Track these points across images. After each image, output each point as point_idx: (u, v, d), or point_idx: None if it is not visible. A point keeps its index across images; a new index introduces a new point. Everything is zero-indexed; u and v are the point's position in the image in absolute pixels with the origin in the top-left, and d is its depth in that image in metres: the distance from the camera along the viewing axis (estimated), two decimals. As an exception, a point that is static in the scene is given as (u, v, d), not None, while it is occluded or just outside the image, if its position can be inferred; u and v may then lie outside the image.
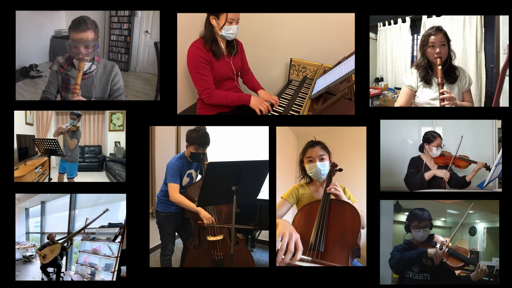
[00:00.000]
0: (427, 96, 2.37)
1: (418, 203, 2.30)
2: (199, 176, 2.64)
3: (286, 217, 2.22)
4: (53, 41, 2.94)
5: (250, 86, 2.86)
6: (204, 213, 2.38)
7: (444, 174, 2.46)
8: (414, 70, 2.40)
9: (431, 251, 2.10)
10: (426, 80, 2.35)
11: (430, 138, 2.53)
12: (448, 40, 2.30)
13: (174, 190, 2.43)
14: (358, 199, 2.25)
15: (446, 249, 2.13)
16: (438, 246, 2.14)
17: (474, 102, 2.53)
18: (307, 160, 2.18)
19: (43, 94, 2.34)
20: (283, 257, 1.59)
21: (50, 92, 2.33)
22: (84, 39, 2.20)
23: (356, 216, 1.93)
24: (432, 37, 2.28)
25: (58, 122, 2.83)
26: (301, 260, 1.67)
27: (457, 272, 2.15)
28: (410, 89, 2.41)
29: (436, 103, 2.32)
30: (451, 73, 2.33)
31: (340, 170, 2.14)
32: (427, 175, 2.48)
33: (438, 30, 2.29)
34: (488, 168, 2.43)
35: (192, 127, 2.50)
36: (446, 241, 2.16)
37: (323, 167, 2.14)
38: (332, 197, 2.06)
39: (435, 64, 2.28)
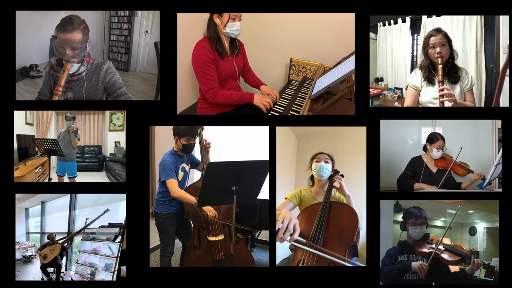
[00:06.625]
0: (430, 95, 2.39)
1: (418, 203, 2.30)
2: (197, 175, 2.62)
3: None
4: (53, 41, 2.94)
5: (253, 83, 2.87)
6: (207, 206, 2.36)
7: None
8: (418, 71, 2.44)
9: (415, 265, 2.12)
10: (429, 79, 2.39)
11: (432, 138, 2.54)
12: (449, 40, 2.34)
13: (174, 186, 2.40)
14: (358, 199, 2.28)
15: (442, 247, 2.14)
16: (434, 244, 2.15)
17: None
18: (315, 161, 2.36)
19: (38, 95, 2.32)
20: (282, 235, 1.87)
21: (44, 94, 2.30)
22: (71, 40, 2.08)
23: (354, 216, 2.08)
24: (432, 38, 2.34)
25: (58, 122, 2.83)
26: (297, 241, 1.93)
27: (452, 269, 2.15)
28: (415, 89, 2.44)
29: (438, 102, 2.33)
30: (453, 73, 2.36)
31: (341, 176, 2.29)
32: (416, 187, 2.49)
33: (438, 31, 2.35)
34: (484, 179, 2.43)
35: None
36: (441, 239, 2.17)
37: (326, 167, 2.30)
38: (333, 199, 2.21)
39: (437, 63, 2.32)
